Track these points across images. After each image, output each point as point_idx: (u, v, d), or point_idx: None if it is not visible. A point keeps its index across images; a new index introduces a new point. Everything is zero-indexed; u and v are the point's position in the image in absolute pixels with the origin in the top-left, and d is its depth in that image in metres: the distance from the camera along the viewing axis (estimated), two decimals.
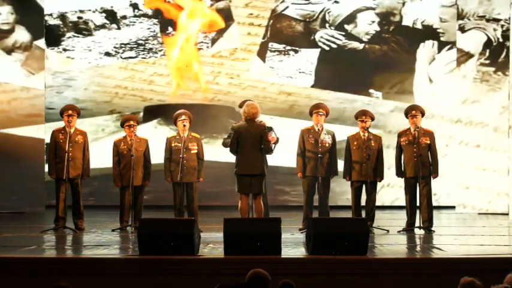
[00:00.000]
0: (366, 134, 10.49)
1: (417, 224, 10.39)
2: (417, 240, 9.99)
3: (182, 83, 14.20)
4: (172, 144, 10.46)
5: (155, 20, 14.29)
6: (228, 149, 9.67)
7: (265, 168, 9.66)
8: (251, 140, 9.52)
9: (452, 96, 13.74)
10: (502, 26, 13.51)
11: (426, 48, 14.13)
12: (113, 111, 13.88)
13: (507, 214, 12.63)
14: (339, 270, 7.81)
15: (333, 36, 14.15)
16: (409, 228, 10.40)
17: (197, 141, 10.53)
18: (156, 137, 12.69)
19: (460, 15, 13.65)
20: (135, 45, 14.26)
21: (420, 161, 10.31)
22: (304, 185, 10.52)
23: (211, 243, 9.08)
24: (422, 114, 10.60)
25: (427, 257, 8.47)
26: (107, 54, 14.23)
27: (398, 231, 10.36)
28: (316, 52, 14.24)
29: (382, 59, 14.15)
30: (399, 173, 10.59)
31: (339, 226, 8.40)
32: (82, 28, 14.16)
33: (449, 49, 14.06)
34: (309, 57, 14.22)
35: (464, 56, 13.60)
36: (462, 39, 13.60)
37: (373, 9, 14.20)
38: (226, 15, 14.23)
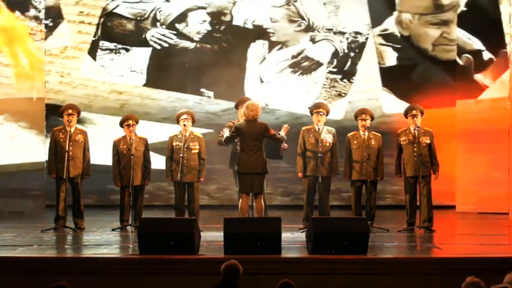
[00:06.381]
0: (366, 133, 10.49)
1: (417, 223, 10.40)
2: (417, 239, 9.99)
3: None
4: (174, 143, 10.42)
5: None
6: (222, 141, 10.01)
7: (267, 166, 9.66)
8: (252, 139, 9.54)
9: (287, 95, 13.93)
10: (347, 38, 14.14)
11: (257, 48, 14.09)
12: None
13: (507, 214, 12.62)
14: (339, 270, 7.81)
15: (164, 35, 13.99)
16: (409, 228, 10.41)
17: (199, 140, 10.48)
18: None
19: (311, 28, 14.06)
20: None
21: (420, 161, 10.32)
22: (304, 185, 10.53)
23: (212, 242, 9.08)
24: (422, 113, 10.60)
25: (427, 257, 8.47)
26: None
27: (399, 231, 10.36)
28: (147, 51, 14.05)
29: (213, 58, 14.00)
30: (398, 171, 10.59)
31: (339, 225, 8.41)
32: None
33: (279, 49, 14.07)
34: (140, 56, 14.03)
35: (315, 64, 14.10)
36: (312, 49, 14.09)
37: (204, 8, 14.07)
38: (56, 13, 13.87)
